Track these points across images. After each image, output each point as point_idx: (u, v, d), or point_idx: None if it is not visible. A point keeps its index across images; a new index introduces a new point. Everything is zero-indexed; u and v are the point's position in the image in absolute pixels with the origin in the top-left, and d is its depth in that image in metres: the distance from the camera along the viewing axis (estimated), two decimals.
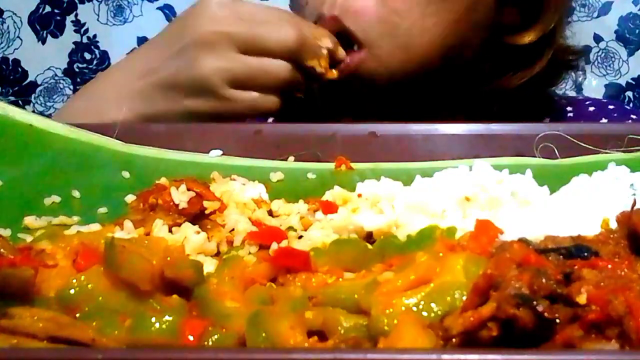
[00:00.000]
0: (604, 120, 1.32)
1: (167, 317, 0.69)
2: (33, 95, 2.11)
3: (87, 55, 2.12)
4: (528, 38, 1.26)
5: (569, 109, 1.36)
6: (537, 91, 1.34)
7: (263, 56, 1.12)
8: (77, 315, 0.71)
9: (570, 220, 0.82)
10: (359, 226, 0.86)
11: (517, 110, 1.31)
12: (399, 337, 0.64)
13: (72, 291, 0.72)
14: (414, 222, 0.86)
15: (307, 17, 1.20)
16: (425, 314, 0.67)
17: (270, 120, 1.31)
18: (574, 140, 1.01)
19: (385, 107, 1.23)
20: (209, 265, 0.80)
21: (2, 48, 2.10)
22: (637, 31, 2.08)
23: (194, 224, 0.86)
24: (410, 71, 1.20)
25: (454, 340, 0.63)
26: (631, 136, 1.00)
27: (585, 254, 0.67)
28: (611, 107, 1.38)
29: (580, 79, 2.07)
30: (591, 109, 1.36)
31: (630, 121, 1.33)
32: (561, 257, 0.67)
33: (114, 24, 2.11)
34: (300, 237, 0.85)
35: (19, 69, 2.11)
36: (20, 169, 0.98)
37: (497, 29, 1.26)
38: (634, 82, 2.10)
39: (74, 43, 2.12)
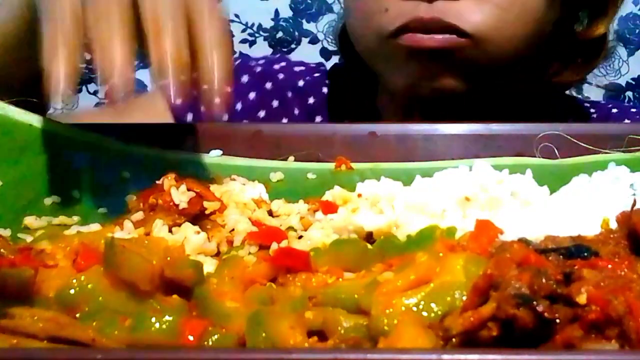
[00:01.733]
0: (627, 121, 1.33)
1: (167, 317, 0.69)
2: None
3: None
4: (599, 30, 1.27)
5: (592, 110, 1.37)
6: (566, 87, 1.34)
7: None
8: (77, 315, 0.71)
9: (570, 220, 0.82)
10: (359, 226, 0.86)
11: (540, 112, 1.31)
12: (399, 337, 0.64)
13: (72, 291, 0.72)
14: (414, 222, 0.86)
15: (386, 21, 1.16)
16: (425, 314, 0.67)
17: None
18: (574, 140, 1.01)
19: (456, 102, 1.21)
20: (209, 265, 0.80)
21: None
22: (637, 31, 2.08)
23: (194, 224, 0.86)
24: (510, 63, 1.19)
25: (454, 340, 0.63)
26: (631, 136, 1.00)
27: (585, 254, 0.67)
28: (633, 110, 1.39)
29: None
30: (614, 110, 1.37)
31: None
32: (561, 257, 0.67)
33: None
34: (300, 237, 0.85)
35: None
36: (20, 169, 0.98)
37: (565, 21, 1.25)
38: (634, 82, 2.10)
39: None
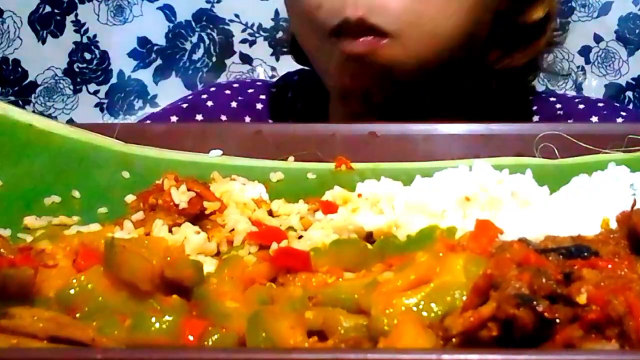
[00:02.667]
0: (594, 119, 1.32)
1: (167, 317, 0.69)
2: (33, 95, 2.11)
3: (87, 55, 2.12)
4: (537, 14, 1.26)
5: (558, 106, 1.36)
6: (526, 78, 1.34)
7: None
8: (77, 315, 0.71)
9: (570, 220, 0.82)
10: (359, 226, 0.86)
11: (506, 110, 1.30)
12: (399, 337, 0.64)
13: (72, 291, 0.72)
14: (414, 222, 0.86)
15: (323, 21, 1.16)
16: (425, 314, 0.67)
17: None
18: (574, 140, 1.01)
19: (395, 101, 1.21)
20: (209, 265, 0.80)
21: (2, 48, 2.09)
22: (637, 31, 2.07)
23: (194, 224, 0.86)
24: (437, 58, 1.19)
25: (454, 340, 0.63)
26: (631, 136, 1.00)
27: (585, 254, 0.67)
28: (600, 104, 1.38)
29: (580, 79, 2.07)
30: (581, 106, 1.35)
31: (621, 119, 1.33)
32: (561, 257, 0.67)
33: (114, 24, 2.11)
34: (300, 237, 0.85)
35: (19, 69, 2.11)
36: (20, 169, 0.98)
37: (506, 8, 1.25)
38: (634, 82, 2.09)
39: (74, 43, 2.11)
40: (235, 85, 1.44)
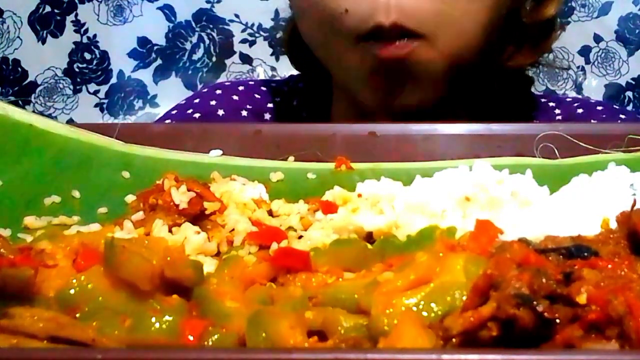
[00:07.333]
0: (594, 122, 1.32)
1: (167, 317, 0.69)
2: (33, 95, 2.11)
3: (87, 55, 2.12)
4: (549, 12, 1.27)
5: (557, 111, 1.36)
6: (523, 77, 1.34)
7: None
8: (77, 315, 0.71)
9: (570, 220, 0.82)
10: (359, 226, 0.86)
11: (505, 113, 1.31)
12: (399, 337, 0.64)
13: (72, 291, 0.72)
14: (414, 222, 0.86)
15: (351, 26, 1.15)
16: (425, 314, 0.67)
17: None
18: (574, 140, 1.01)
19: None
20: (209, 265, 0.80)
21: (2, 48, 2.10)
22: (637, 31, 2.08)
23: (194, 224, 0.86)
24: (463, 58, 1.19)
25: (454, 340, 0.63)
26: (631, 136, 1.00)
27: (585, 254, 0.67)
28: (599, 107, 1.38)
29: (580, 79, 2.07)
30: (579, 110, 1.35)
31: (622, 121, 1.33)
32: (561, 257, 0.67)
33: (114, 24, 2.11)
34: (300, 237, 0.85)
35: (19, 69, 2.11)
36: (20, 169, 0.98)
37: (520, 5, 1.26)
38: (634, 82, 2.10)
39: (74, 43, 2.12)
40: (241, 87, 1.43)
